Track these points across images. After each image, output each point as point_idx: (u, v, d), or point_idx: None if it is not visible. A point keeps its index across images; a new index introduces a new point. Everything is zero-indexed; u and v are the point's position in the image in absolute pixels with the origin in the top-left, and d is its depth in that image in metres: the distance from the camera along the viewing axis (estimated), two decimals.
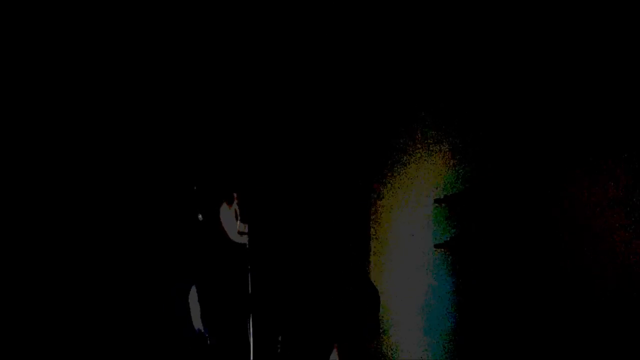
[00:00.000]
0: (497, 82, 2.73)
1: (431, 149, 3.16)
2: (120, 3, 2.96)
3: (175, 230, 3.20)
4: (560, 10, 2.39)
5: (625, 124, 2.13)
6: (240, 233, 1.42)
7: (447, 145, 3.03)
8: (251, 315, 1.36)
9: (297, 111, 3.45)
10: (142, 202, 3.20)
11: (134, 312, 3.13)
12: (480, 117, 2.82)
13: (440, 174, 3.07)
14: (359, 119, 3.64)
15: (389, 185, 3.51)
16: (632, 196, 2.08)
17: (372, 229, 3.67)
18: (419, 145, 3.25)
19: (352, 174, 3.64)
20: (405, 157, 3.37)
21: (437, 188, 3.07)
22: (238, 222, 1.42)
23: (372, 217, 3.67)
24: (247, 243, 1.40)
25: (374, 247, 3.65)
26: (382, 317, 3.44)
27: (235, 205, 1.44)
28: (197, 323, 1.61)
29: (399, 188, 3.42)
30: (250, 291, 1.37)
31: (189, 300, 1.64)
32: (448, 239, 2.95)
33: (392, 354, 3.40)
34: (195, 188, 1.53)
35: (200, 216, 1.53)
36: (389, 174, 3.50)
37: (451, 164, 3.00)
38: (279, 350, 1.42)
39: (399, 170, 3.42)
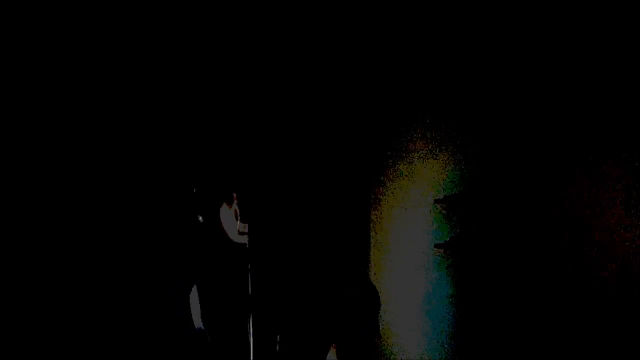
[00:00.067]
0: (497, 82, 2.73)
1: (431, 149, 3.16)
2: (120, 3, 2.96)
3: (176, 230, 3.19)
4: (560, 11, 2.39)
5: (625, 124, 2.13)
6: (240, 233, 1.42)
7: (447, 145, 3.03)
8: (251, 315, 1.36)
9: (296, 112, 3.45)
10: (142, 203, 3.20)
11: (134, 312, 3.13)
12: (480, 118, 2.82)
13: (440, 174, 3.07)
14: (359, 119, 3.64)
15: (389, 185, 3.51)
16: (632, 196, 2.08)
17: (372, 229, 3.67)
18: (419, 145, 3.25)
19: (352, 174, 3.64)
20: (405, 157, 3.37)
21: (437, 188, 3.07)
22: (238, 222, 1.42)
23: (372, 217, 3.67)
24: (247, 243, 1.40)
25: (374, 247, 3.65)
26: (382, 317, 3.44)
27: (235, 206, 1.44)
28: (198, 323, 1.61)
29: (399, 188, 3.42)
30: (250, 291, 1.37)
31: (190, 300, 1.64)
32: (448, 239, 2.95)
33: (391, 354, 3.40)
34: (195, 190, 1.53)
35: (200, 218, 1.53)
36: (389, 174, 3.50)
37: (451, 164, 3.00)
38: (278, 350, 1.42)
39: (399, 170, 3.42)
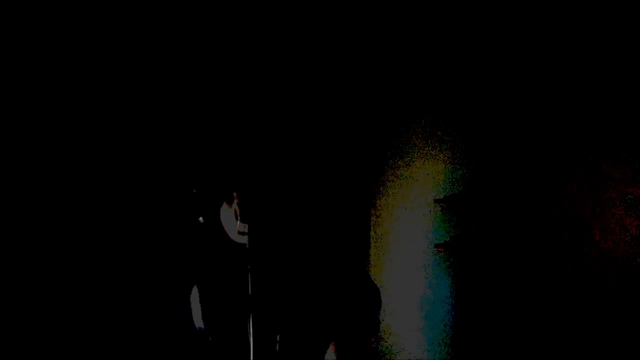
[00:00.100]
0: (497, 82, 2.73)
1: (431, 149, 3.16)
2: (120, 3, 2.96)
3: (176, 230, 3.19)
4: (560, 11, 2.39)
5: (625, 124, 2.13)
6: (241, 233, 1.42)
7: (447, 145, 3.04)
8: (251, 315, 1.36)
9: (296, 111, 3.45)
10: (143, 203, 3.20)
11: (134, 312, 3.13)
12: (480, 118, 2.82)
13: (440, 174, 3.07)
14: (358, 119, 3.63)
15: (389, 185, 3.51)
16: (632, 196, 2.08)
17: (372, 229, 3.67)
18: (419, 145, 3.25)
19: (352, 174, 3.64)
20: (405, 157, 3.37)
21: (437, 188, 3.07)
22: (238, 222, 1.42)
23: (372, 217, 3.67)
24: (247, 243, 1.40)
25: (374, 247, 3.65)
26: (382, 316, 3.44)
27: (235, 206, 1.44)
28: (198, 323, 1.61)
29: (399, 188, 3.42)
30: (250, 291, 1.37)
31: (190, 300, 1.64)
32: (448, 239, 2.95)
33: (391, 353, 3.40)
34: (195, 190, 1.53)
35: (201, 219, 1.53)
36: (389, 174, 3.50)
37: (451, 164, 3.00)
38: (278, 350, 1.42)
39: (399, 170, 3.42)
